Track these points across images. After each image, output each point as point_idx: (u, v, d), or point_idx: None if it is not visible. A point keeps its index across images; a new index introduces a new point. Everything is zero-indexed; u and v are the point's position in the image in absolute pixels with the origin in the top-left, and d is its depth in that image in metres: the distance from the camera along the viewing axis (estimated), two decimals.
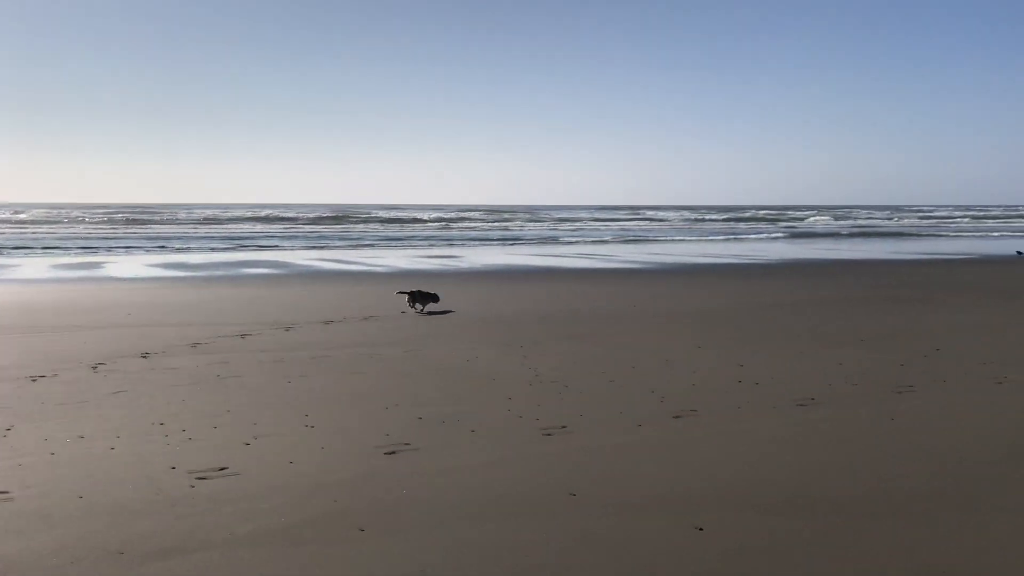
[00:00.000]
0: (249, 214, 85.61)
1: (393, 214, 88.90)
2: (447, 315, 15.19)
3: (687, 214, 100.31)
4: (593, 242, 47.35)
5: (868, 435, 6.99)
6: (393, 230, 61.94)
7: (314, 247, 41.78)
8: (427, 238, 50.91)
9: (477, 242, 47.42)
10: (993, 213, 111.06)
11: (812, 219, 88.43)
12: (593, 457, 6.44)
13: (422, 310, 15.82)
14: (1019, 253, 34.79)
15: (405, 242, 46.80)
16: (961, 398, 8.35)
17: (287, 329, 13.44)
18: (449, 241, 47.95)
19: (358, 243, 45.50)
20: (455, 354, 11.13)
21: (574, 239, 50.70)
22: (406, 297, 16.03)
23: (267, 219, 77.09)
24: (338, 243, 45.22)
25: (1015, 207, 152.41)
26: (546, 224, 75.43)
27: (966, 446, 6.69)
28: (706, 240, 49.87)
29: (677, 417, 7.60)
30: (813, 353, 11.08)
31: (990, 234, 58.93)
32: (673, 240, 49.99)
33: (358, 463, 6.33)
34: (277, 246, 42.68)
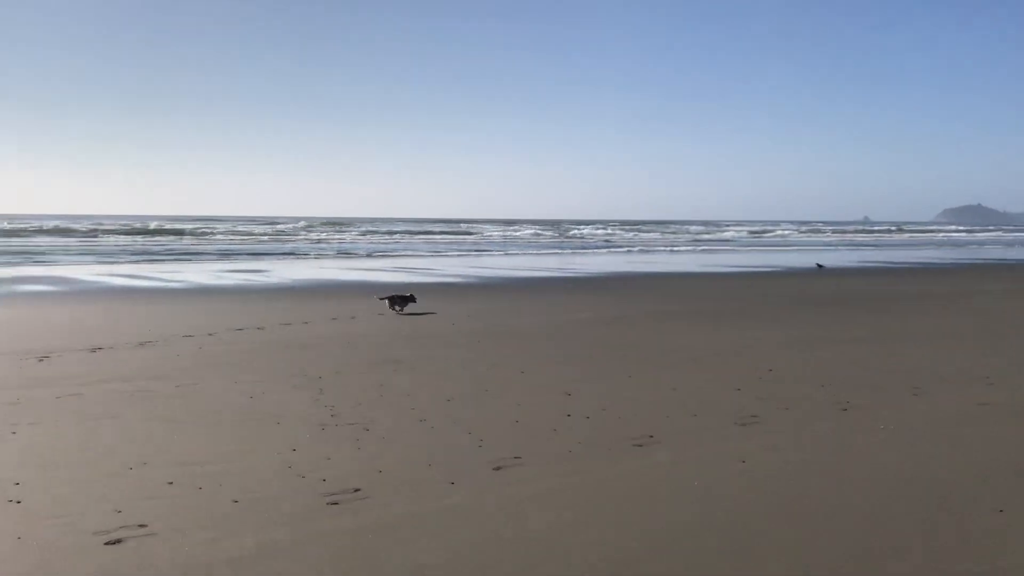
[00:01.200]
0: (33, 226, 78.33)
1: (202, 226, 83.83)
2: (246, 337, 13.31)
3: (506, 228, 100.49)
4: (410, 255, 45.88)
5: (721, 486, 5.91)
6: (199, 243, 58.06)
7: (107, 261, 38.06)
8: (233, 252, 47.75)
9: (288, 255, 44.89)
10: (784, 229, 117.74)
11: (597, 231, 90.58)
12: (389, 539, 4.95)
13: (400, 311, 17.13)
14: (819, 266, 36.10)
15: (209, 255, 43.58)
16: (809, 431, 7.50)
17: (41, 359, 11.23)
18: (257, 254, 45.11)
19: (158, 256, 42.00)
20: (238, 389, 9.37)
21: (390, 252, 49.00)
22: (386, 302, 17.35)
23: (56, 231, 70.61)
24: (136, 257, 41.54)
25: (809, 222, 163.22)
26: (366, 236, 73.13)
27: (826, 499, 5.73)
28: (528, 254, 49.44)
29: (498, 469, 6.26)
30: (643, 376, 10.11)
31: (788, 248, 61.94)
32: (492, 253, 49.23)
33: (63, 562, 4.59)
34: (63, 260, 38.59)
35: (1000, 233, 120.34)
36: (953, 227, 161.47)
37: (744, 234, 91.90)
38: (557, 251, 52.82)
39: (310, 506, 5.45)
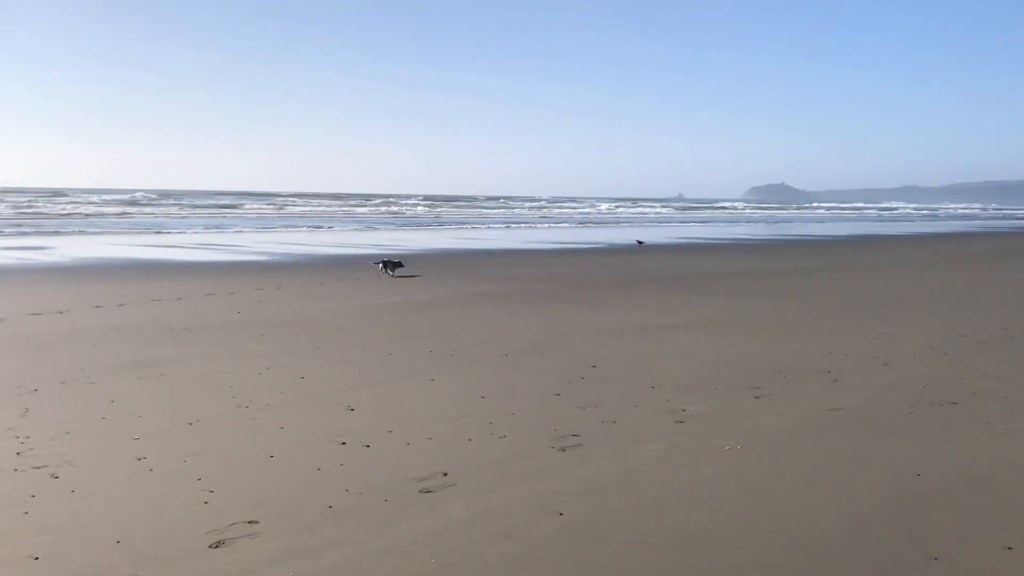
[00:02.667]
0: None
1: None
2: None
3: (318, 201, 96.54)
4: (216, 230, 42.32)
5: (532, 563, 4.32)
6: None
7: None
8: (19, 226, 42.70)
9: (77, 231, 40.44)
10: (606, 204, 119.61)
11: (420, 205, 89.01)
12: None
13: (392, 275, 18.99)
14: (639, 242, 35.67)
15: None
16: (641, 456, 6.05)
17: None
18: (45, 231, 40.40)
19: None
20: None
21: (190, 228, 45.03)
22: (380, 266, 19.33)
23: None
24: None
25: (632, 199, 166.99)
26: (162, 211, 67.79)
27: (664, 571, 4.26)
28: (342, 230, 46.85)
29: (217, 545, 4.40)
30: (448, 379, 8.47)
31: (612, 224, 62.13)
32: (300, 228, 46.31)
33: None
34: None
35: (805, 210, 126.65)
36: (762, 204, 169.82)
37: (570, 210, 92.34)
38: (376, 226, 50.45)
39: None
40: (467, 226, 52.76)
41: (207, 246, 30.45)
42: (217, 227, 44.96)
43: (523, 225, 55.57)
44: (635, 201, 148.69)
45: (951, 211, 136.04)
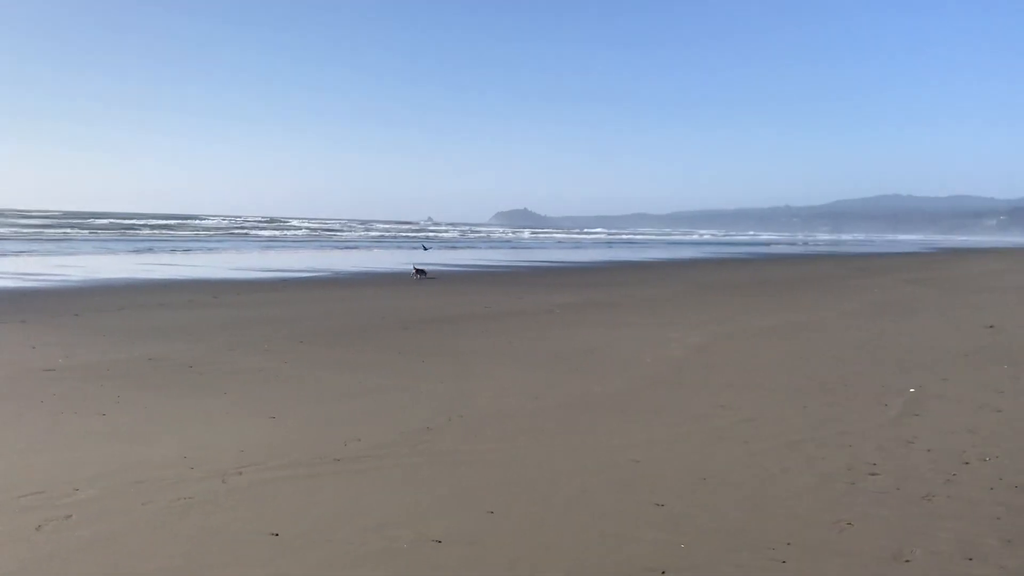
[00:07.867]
0: None
1: None
2: None
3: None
4: None
5: None
6: None
7: None
8: None
9: None
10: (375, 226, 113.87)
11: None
12: None
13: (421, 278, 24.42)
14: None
15: None
16: None
17: None
18: None
19: None
20: None
21: None
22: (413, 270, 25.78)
23: None
24: None
25: (368, 221, 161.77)
26: None
27: None
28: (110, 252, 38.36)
29: None
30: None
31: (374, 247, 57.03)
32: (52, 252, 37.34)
33: None
34: None
35: (554, 234, 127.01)
36: (506, 228, 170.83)
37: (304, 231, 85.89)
38: (115, 250, 42.06)
39: None
40: (181, 250, 45.46)
41: None
42: None
43: (233, 250, 49.01)
44: (373, 223, 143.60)
45: (693, 238, 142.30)
